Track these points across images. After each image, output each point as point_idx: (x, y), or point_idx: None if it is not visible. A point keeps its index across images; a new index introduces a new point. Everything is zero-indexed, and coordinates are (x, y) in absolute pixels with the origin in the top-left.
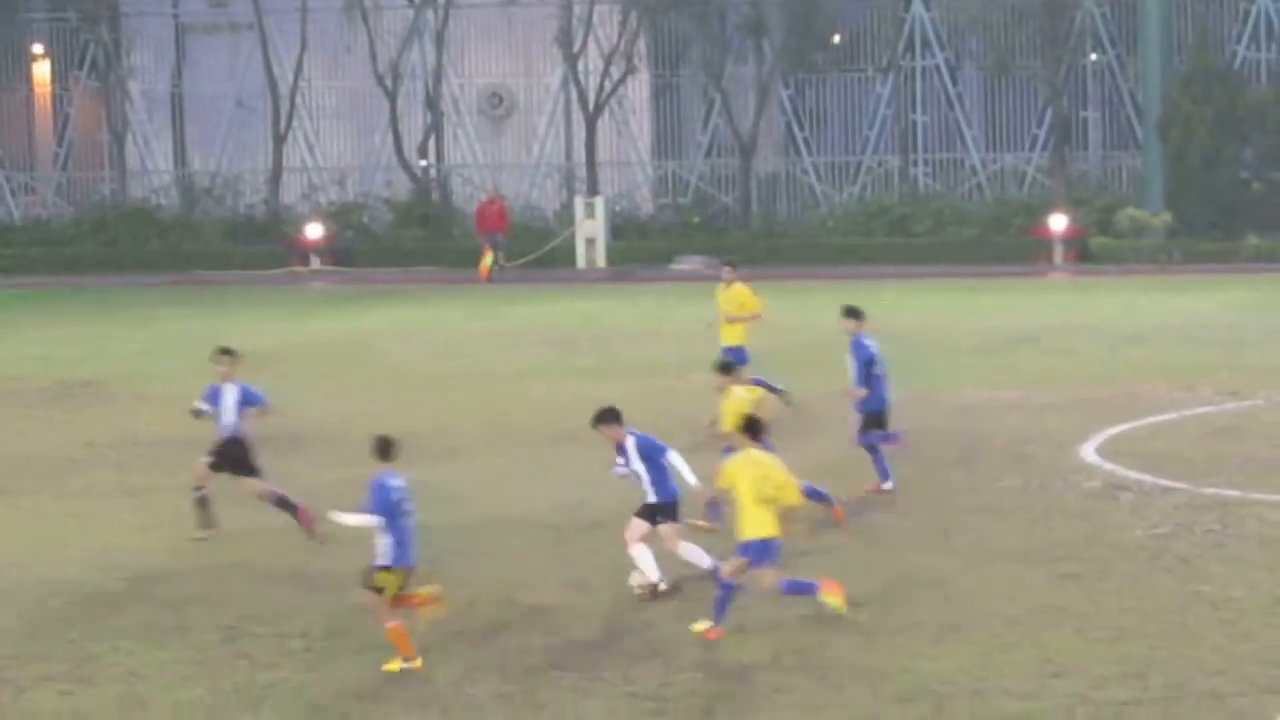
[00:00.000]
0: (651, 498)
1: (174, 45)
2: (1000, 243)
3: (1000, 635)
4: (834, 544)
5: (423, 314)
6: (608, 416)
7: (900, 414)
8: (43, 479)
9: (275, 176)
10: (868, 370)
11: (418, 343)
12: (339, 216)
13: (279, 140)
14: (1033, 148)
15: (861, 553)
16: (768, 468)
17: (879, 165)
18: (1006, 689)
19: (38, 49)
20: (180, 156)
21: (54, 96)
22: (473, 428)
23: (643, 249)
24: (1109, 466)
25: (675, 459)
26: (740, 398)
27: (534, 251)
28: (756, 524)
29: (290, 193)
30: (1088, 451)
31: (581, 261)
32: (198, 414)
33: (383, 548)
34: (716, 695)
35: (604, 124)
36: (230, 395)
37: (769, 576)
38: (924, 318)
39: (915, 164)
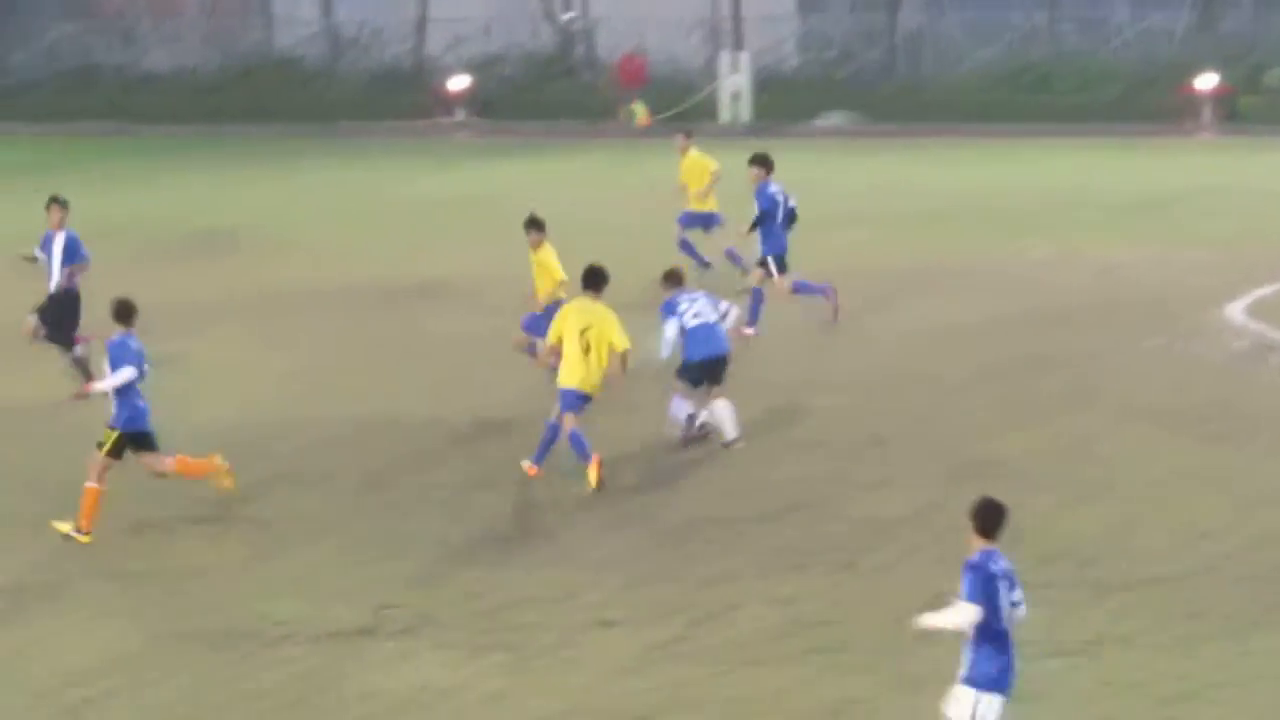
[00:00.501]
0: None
1: None
2: (1146, 102)
3: (1145, 497)
4: (974, 405)
5: (564, 167)
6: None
7: (1043, 273)
8: (183, 328)
9: (420, 27)
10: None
11: (559, 195)
12: (483, 68)
13: None
14: (1181, 6)
15: (1000, 414)
16: (592, 316)
17: (1025, 22)
18: (1151, 550)
19: None
20: (326, 6)
21: None
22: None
23: (787, 104)
24: (1257, 326)
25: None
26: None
27: (677, 105)
28: (569, 372)
29: (435, 44)
30: (1235, 311)
31: (725, 116)
32: (32, 260)
33: (115, 408)
34: (857, 549)
35: None
36: (58, 245)
37: (568, 422)
38: (1067, 177)
39: (1060, 21)
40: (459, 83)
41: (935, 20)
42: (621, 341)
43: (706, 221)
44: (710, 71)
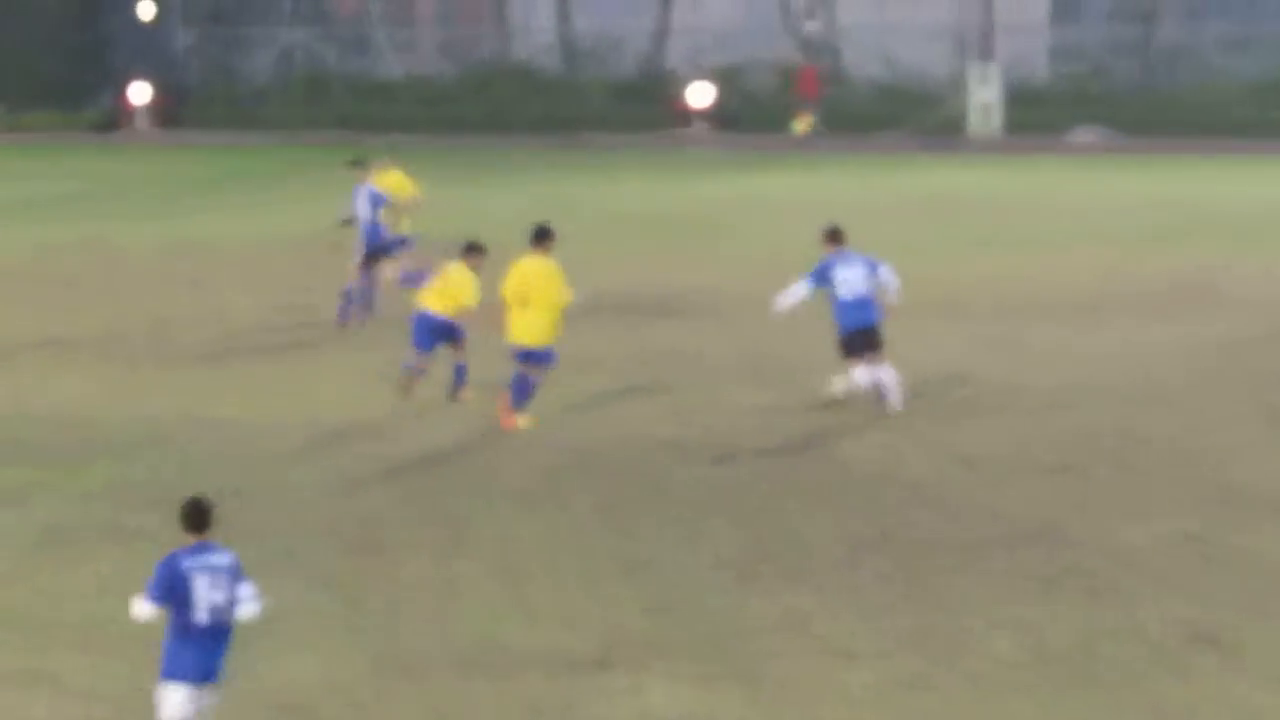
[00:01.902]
0: None
1: None
2: None
3: None
4: (1230, 427)
5: (808, 181)
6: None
7: None
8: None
9: (659, 37)
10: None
11: (798, 210)
12: (723, 80)
13: (665, 1)
14: None
15: (1260, 437)
16: (527, 274)
17: None
18: None
19: None
20: (563, 14)
21: None
22: None
23: (1037, 118)
24: None
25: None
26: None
27: (923, 118)
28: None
29: (674, 55)
30: None
31: (973, 129)
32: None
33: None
34: (1106, 576)
35: None
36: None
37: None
38: None
39: None
40: (700, 94)
41: (1193, 32)
42: (564, 295)
43: (390, 246)
44: (958, 83)
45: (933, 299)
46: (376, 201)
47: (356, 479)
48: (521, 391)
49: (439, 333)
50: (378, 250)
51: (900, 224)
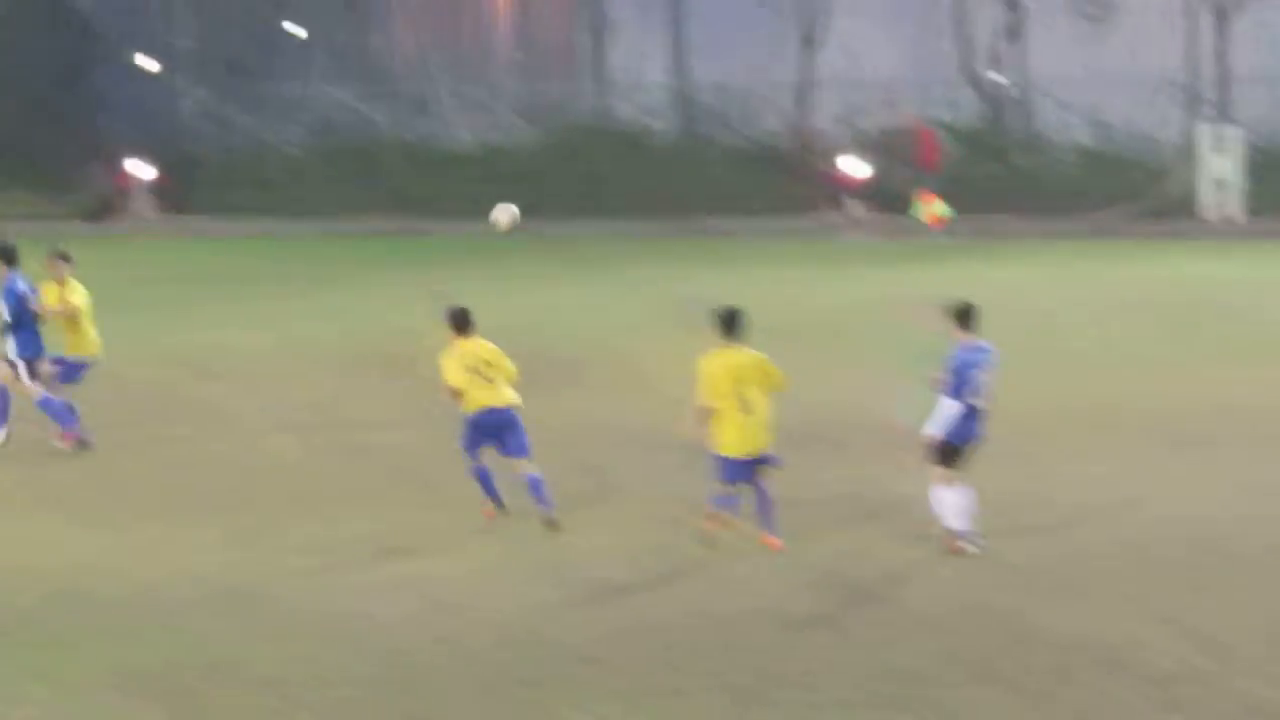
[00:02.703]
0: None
1: None
2: None
3: None
4: None
5: (995, 275)
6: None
7: None
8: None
9: (801, 92)
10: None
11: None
12: (885, 145)
13: (808, 45)
14: None
15: None
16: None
17: None
18: None
19: None
20: (678, 65)
21: None
22: (1056, 425)
23: None
24: None
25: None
26: None
27: (1142, 192)
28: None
29: (822, 114)
30: None
31: (1207, 209)
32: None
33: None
34: None
35: (1242, 27)
36: None
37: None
38: None
39: None
40: (854, 164)
41: None
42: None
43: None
44: (1186, 149)
45: (1163, 426)
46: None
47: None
48: (769, 508)
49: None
50: None
51: (1110, 328)
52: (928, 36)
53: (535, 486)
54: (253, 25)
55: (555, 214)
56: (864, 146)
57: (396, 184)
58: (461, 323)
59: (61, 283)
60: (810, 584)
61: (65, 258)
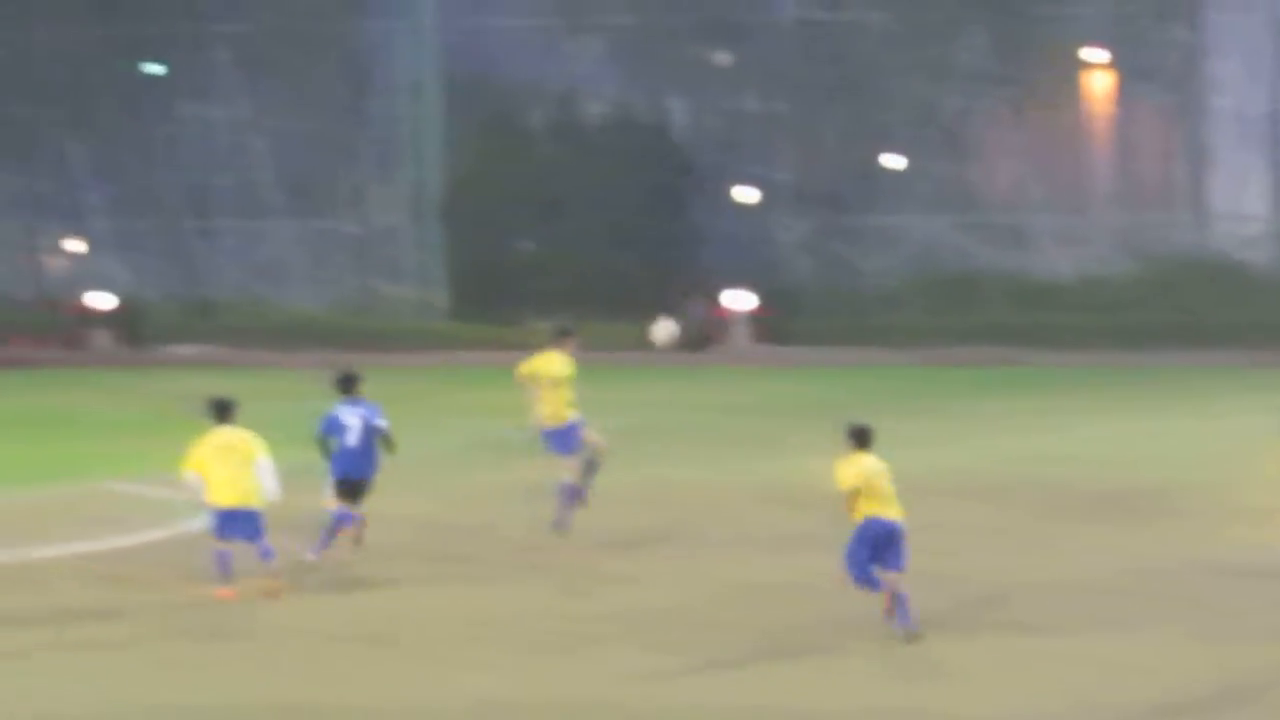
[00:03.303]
0: None
1: (1272, 52)
2: None
3: None
4: None
5: None
6: None
7: None
8: (1087, 610)
9: None
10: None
11: None
12: None
13: None
14: None
15: None
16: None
17: None
18: None
19: (1093, 54)
20: (1278, 196)
21: (1114, 117)
22: None
23: None
24: None
25: None
26: None
27: None
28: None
29: None
30: None
31: None
32: None
33: None
34: None
35: None
36: None
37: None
38: None
39: None
40: None
41: None
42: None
43: None
44: None
45: None
46: None
47: None
48: None
49: None
50: None
51: None
52: None
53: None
54: (851, 158)
55: (1152, 344)
56: None
57: (993, 314)
58: (863, 440)
59: (554, 355)
60: None
61: (564, 331)
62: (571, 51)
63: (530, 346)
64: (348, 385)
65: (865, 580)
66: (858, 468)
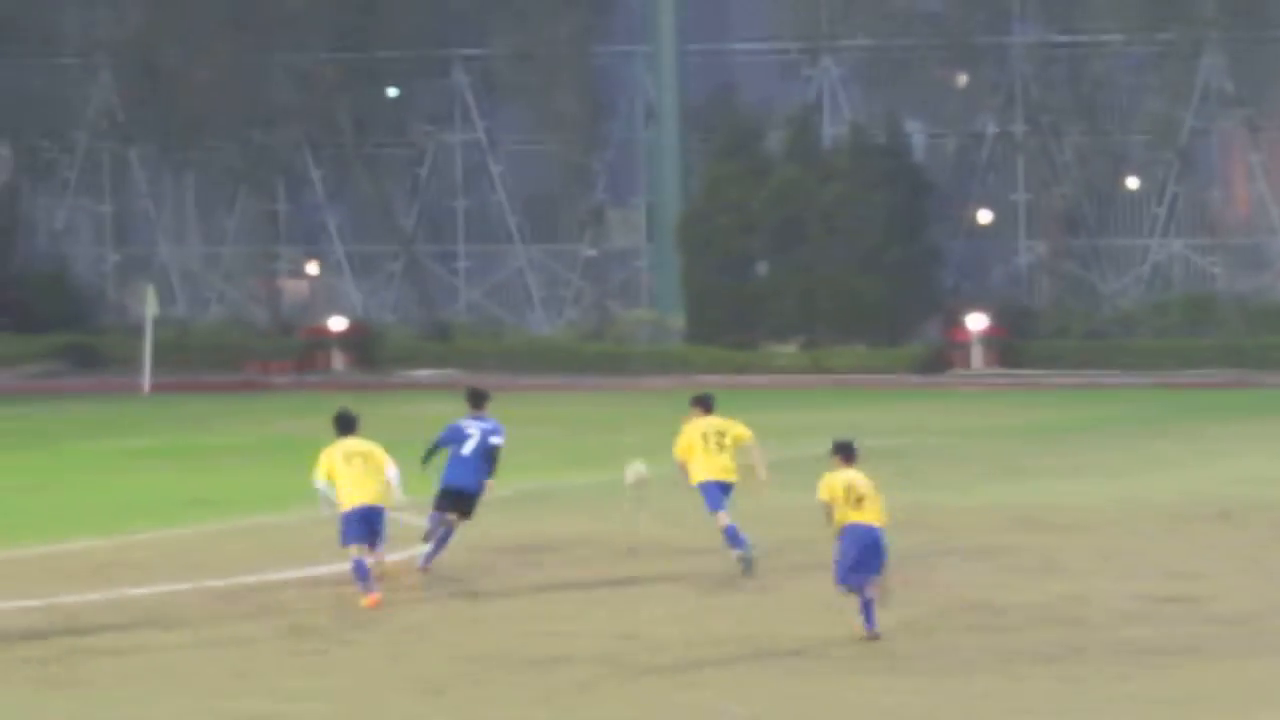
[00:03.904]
0: None
1: None
2: None
3: None
4: None
5: None
6: None
7: None
8: None
9: None
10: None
11: None
12: None
13: None
14: None
15: None
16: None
17: None
18: None
19: None
20: None
21: None
22: None
23: None
24: None
25: None
26: None
27: None
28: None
29: None
30: None
31: None
32: None
33: None
34: None
35: None
36: None
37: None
38: None
39: None
40: None
41: None
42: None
43: None
44: None
45: None
46: None
47: None
48: None
49: None
50: None
51: None
52: None
53: None
54: (1088, 179)
55: None
56: None
57: (1230, 336)
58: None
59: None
60: None
61: (698, 402)
62: (809, 75)
63: (770, 369)
64: (478, 400)
65: (848, 583)
66: (837, 481)
